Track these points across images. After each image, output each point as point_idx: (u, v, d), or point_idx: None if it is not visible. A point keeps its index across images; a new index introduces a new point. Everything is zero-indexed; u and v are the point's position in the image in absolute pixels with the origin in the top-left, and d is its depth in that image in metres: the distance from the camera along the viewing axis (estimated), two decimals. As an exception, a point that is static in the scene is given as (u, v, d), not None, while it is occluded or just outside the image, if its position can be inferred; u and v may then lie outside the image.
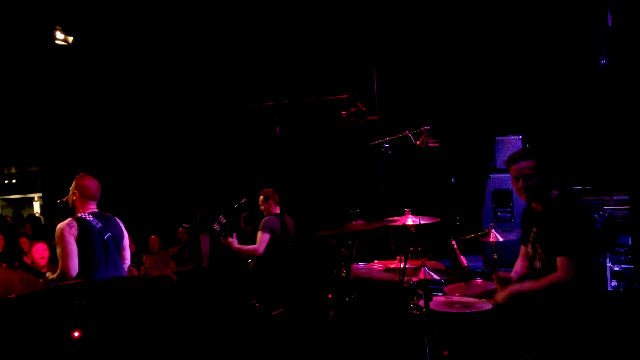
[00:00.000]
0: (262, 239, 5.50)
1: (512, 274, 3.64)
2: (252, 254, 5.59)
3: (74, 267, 3.83)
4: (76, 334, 1.44)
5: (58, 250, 3.88)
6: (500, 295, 3.19)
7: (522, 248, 3.55)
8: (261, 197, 5.87)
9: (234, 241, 5.65)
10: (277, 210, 5.73)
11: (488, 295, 3.60)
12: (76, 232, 3.89)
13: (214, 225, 5.57)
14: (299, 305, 2.29)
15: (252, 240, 6.30)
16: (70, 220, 3.95)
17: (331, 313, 2.29)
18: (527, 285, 3.14)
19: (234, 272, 7.28)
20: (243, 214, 7.30)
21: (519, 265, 3.62)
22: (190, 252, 8.14)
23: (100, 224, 4.04)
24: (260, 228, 5.61)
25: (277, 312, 2.20)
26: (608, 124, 4.67)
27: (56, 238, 3.88)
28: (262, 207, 5.87)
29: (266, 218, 5.67)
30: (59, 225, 3.92)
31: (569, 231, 2.99)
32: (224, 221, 5.57)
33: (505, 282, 3.54)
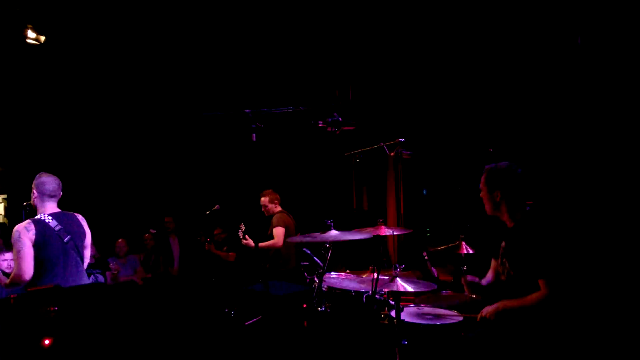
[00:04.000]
0: (279, 232, 5.99)
1: (483, 282, 3.69)
2: (272, 248, 6.06)
3: (29, 270, 3.74)
4: (47, 341, 1.40)
5: (13, 252, 3.78)
6: (489, 311, 3.21)
7: (493, 261, 3.61)
8: (266, 198, 6.27)
9: (249, 241, 6.05)
10: (280, 208, 6.30)
11: (461, 307, 3.64)
12: (33, 235, 3.78)
13: (238, 232, 6.13)
14: (274, 314, 2.27)
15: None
16: (27, 223, 3.85)
17: (305, 323, 2.27)
18: (515, 302, 3.17)
19: (206, 278, 7.43)
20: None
21: (489, 276, 3.68)
22: (158, 258, 8.01)
23: (60, 226, 3.92)
24: (275, 224, 6.07)
25: (251, 321, 2.17)
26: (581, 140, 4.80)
27: (12, 240, 3.78)
28: (268, 207, 6.32)
29: (277, 215, 6.17)
30: (16, 227, 3.82)
31: (544, 251, 3.04)
32: (244, 228, 6.10)
33: (473, 287, 3.59)
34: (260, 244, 6.02)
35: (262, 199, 6.28)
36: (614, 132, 4.52)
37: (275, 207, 6.27)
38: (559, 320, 3.09)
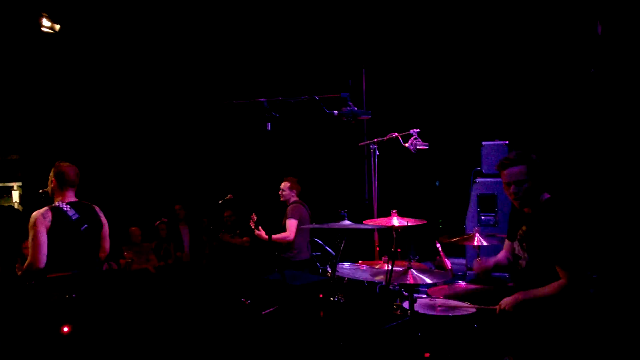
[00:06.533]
0: (292, 225, 5.83)
1: (492, 260, 3.65)
2: (283, 242, 5.89)
3: (42, 258, 3.72)
4: (65, 329, 1.40)
5: (29, 239, 3.79)
6: (508, 303, 3.14)
7: (507, 242, 3.56)
8: (286, 183, 6.15)
9: (262, 233, 5.98)
10: (296, 198, 6.15)
11: (474, 298, 3.61)
12: (49, 222, 3.78)
13: (249, 222, 6.01)
14: (290, 304, 2.27)
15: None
16: (45, 210, 3.84)
17: (321, 313, 2.27)
18: (533, 292, 3.11)
19: (220, 268, 7.44)
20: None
21: (500, 254, 3.64)
22: (169, 246, 8.04)
23: (77, 215, 3.93)
24: (289, 216, 5.93)
25: (268, 310, 2.17)
26: (597, 132, 4.74)
27: (29, 226, 3.79)
28: (284, 193, 6.19)
29: (292, 205, 6.02)
30: (34, 214, 3.81)
31: (563, 239, 2.98)
32: (255, 218, 5.99)
33: (485, 275, 3.55)
34: (273, 237, 5.97)
35: (283, 183, 6.21)
36: (634, 122, 4.45)
37: (293, 196, 6.18)
38: (579, 311, 3.05)
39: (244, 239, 7.52)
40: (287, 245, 5.99)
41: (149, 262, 7.61)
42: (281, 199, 6.21)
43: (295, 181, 6.24)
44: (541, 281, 3.10)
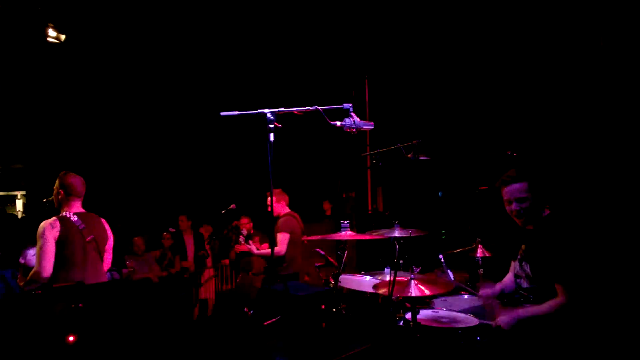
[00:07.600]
0: (283, 239, 5.68)
1: (498, 285, 3.63)
2: (275, 256, 5.73)
3: (49, 268, 3.75)
4: (71, 338, 1.41)
5: (36, 248, 3.81)
6: (505, 321, 3.10)
7: (512, 263, 3.55)
8: (273, 198, 5.98)
9: (252, 247, 5.84)
10: (288, 210, 5.99)
11: (479, 312, 3.60)
12: (57, 232, 3.82)
13: (240, 236, 6.01)
14: (293, 315, 2.27)
15: None
16: (53, 220, 3.88)
17: (324, 324, 2.27)
18: (531, 310, 3.07)
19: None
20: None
21: (507, 278, 3.62)
22: (174, 256, 8.04)
23: (83, 225, 3.97)
24: (279, 229, 5.77)
25: (270, 321, 2.17)
26: (600, 143, 4.73)
27: (37, 236, 3.82)
28: (273, 208, 5.97)
29: (283, 219, 5.85)
30: (42, 224, 3.85)
31: (562, 255, 2.96)
32: (245, 233, 6.01)
33: (492, 304, 3.52)
34: (260, 251, 5.88)
35: (269, 199, 6.10)
36: (634, 135, 4.45)
37: (283, 208, 6.05)
38: (577, 329, 3.03)
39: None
40: (277, 258, 5.82)
41: (151, 271, 7.60)
42: (274, 215, 6.05)
43: (279, 192, 6.10)
44: (542, 299, 3.07)
